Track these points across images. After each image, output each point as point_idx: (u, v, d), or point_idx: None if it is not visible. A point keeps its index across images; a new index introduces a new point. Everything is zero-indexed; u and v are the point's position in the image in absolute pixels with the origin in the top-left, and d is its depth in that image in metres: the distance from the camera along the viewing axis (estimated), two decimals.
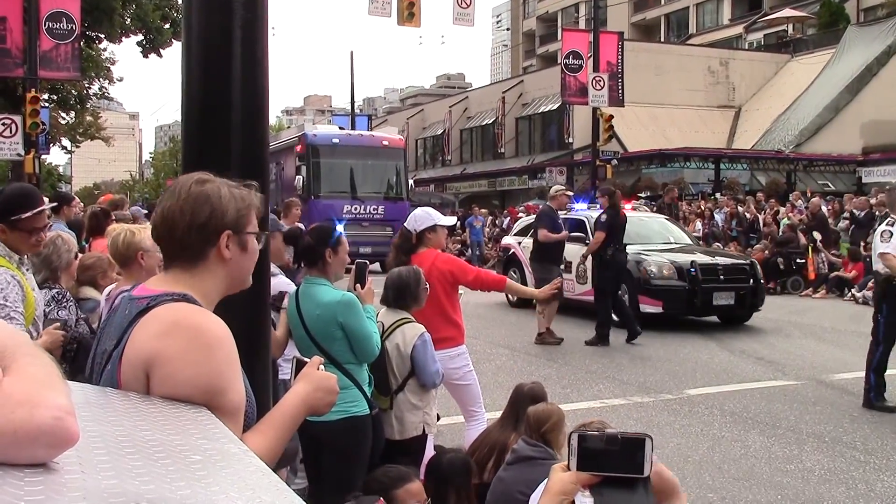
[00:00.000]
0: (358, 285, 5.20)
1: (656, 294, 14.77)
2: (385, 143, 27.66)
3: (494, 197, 49.62)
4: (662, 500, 1.72)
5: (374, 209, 26.19)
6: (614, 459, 1.58)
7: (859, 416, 9.09)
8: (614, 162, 32.72)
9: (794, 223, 23.24)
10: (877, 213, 21.65)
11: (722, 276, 15.03)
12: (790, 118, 42.32)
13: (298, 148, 27.01)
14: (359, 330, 4.90)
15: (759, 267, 15.94)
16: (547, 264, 13.72)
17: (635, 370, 11.47)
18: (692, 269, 14.82)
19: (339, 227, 5.15)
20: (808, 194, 28.20)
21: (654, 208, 21.86)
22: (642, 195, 30.89)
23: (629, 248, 14.28)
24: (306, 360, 2.64)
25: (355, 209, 25.86)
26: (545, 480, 1.67)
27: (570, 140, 45.42)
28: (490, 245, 32.39)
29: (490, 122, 53.13)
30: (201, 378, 2.10)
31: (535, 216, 14.22)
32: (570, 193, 16.28)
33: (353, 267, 5.26)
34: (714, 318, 15.72)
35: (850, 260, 20.53)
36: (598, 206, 15.59)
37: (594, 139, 30.10)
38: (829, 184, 38.28)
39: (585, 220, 15.95)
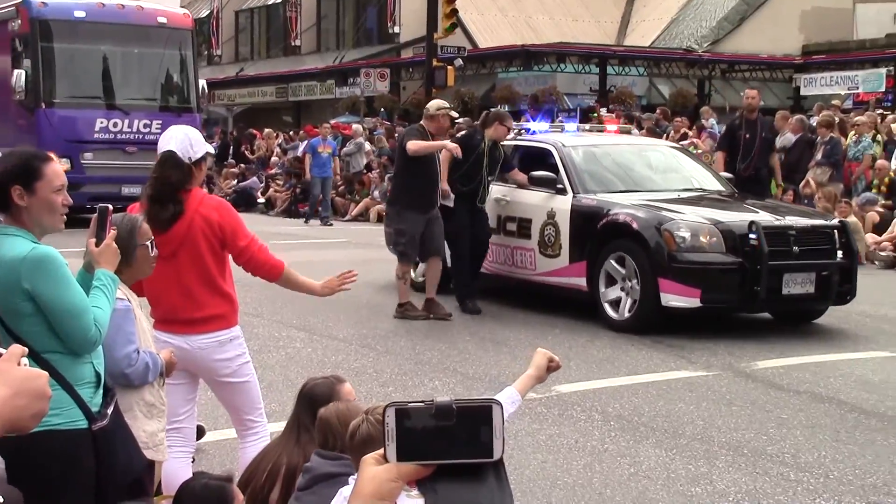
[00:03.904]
0: (92, 241, 5.12)
1: (689, 276, 12.65)
2: (162, 19, 26.32)
3: (286, 111, 49.33)
4: None
5: (144, 126, 25.09)
6: (450, 440, 1.57)
7: (790, 419, 9.44)
8: (458, 62, 32.95)
9: (705, 153, 23.95)
10: (818, 138, 22.45)
11: (796, 248, 12.84)
12: (704, 4, 43.48)
13: (15, 26, 25.63)
14: (58, 302, 4.79)
15: (850, 231, 14.08)
16: (412, 212, 13.52)
17: (485, 359, 11.65)
18: (753, 235, 12.60)
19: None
20: (728, 111, 28.99)
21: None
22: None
23: (623, 197, 13.82)
24: (0, 350, 2.61)
25: (114, 125, 24.77)
26: (345, 486, 1.69)
27: (396, 30, 45.47)
28: (283, 184, 31.59)
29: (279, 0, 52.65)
30: None
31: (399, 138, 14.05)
32: (455, 117, 16.03)
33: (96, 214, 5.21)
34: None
35: None
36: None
37: (430, 30, 30.24)
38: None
39: (554, 149, 14.70)
